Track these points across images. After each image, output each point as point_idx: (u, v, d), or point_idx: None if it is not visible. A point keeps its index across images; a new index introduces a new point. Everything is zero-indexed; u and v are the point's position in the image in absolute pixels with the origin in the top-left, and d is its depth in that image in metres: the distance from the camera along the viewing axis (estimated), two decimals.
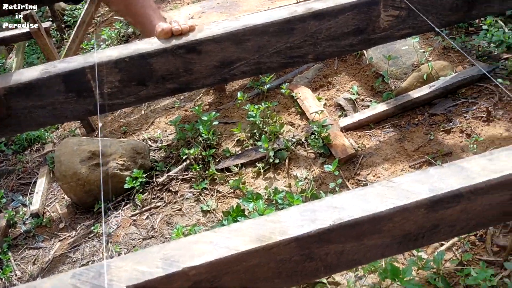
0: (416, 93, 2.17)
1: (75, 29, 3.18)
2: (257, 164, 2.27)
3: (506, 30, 2.27)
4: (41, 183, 2.69)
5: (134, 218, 2.29)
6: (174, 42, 1.31)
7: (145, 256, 0.81)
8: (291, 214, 0.84)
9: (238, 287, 0.87)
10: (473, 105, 2.06)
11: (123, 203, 2.40)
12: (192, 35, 1.32)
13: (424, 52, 2.35)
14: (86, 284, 0.78)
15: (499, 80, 2.01)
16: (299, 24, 1.37)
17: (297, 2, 2.54)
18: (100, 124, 2.62)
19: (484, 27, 2.30)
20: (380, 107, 2.22)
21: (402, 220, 0.85)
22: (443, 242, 1.66)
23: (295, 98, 2.53)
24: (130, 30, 4.00)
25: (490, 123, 1.95)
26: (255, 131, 2.44)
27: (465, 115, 2.04)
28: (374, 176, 2.02)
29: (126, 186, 2.34)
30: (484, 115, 1.98)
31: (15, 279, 2.22)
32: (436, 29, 1.28)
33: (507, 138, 1.88)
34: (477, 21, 2.42)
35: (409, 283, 1.46)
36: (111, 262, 0.81)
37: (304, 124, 2.41)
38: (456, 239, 1.65)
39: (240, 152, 2.40)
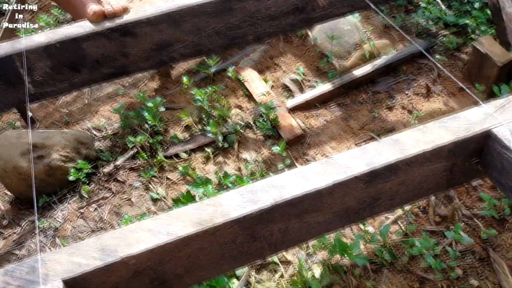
0: (359, 72, 2.21)
1: (7, 16, 3.00)
2: (206, 149, 2.25)
3: (443, 7, 2.35)
4: None
5: (82, 210, 2.22)
6: (108, 24, 1.25)
7: (81, 248, 0.78)
8: (232, 197, 0.83)
9: (183, 273, 0.85)
10: (413, 82, 2.12)
11: (68, 196, 2.31)
12: (127, 17, 1.27)
13: (366, 31, 2.39)
14: (20, 281, 0.74)
15: (437, 56, 2.07)
16: (238, 4, 1.34)
17: None
18: (30, 114, 2.50)
19: (422, 4, 2.36)
20: (325, 87, 2.25)
21: (342, 196, 0.86)
22: (388, 216, 1.71)
23: (242, 81, 2.51)
24: (69, 16, 3.82)
25: (430, 99, 2.02)
26: (203, 115, 2.41)
27: (407, 92, 2.09)
28: (321, 155, 2.05)
29: (70, 178, 2.25)
30: (424, 91, 2.04)
31: None
32: (372, 5, 1.30)
33: (446, 112, 1.95)
34: None
35: (358, 257, 1.50)
36: (45, 256, 0.78)
37: (252, 107, 2.40)
38: (400, 212, 1.71)
39: (188, 138, 2.36)
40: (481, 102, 0.94)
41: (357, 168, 0.85)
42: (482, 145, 0.90)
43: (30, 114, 2.43)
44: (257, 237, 0.86)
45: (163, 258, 0.81)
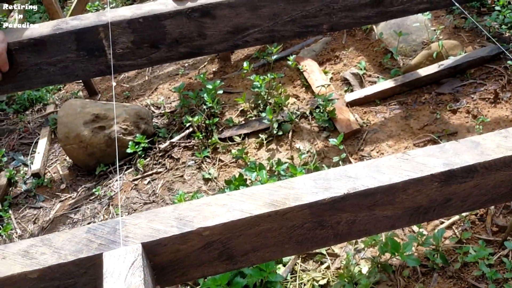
0: (424, 71, 2.16)
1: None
2: (260, 135, 2.27)
3: None
4: (43, 143, 2.68)
5: (136, 182, 2.30)
6: (189, 4, 1.29)
7: (160, 215, 0.82)
8: (305, 181, 0.84)
9: (249, 250, 0.88)
10: (481, 86, 2.05)
11: (125, 167, 2.40)
12: None
13: (435, 30, 2.33)
14: (101, 239, 0.79)
15: (509, 62, 2.00)
16: None
17: None
18: (114, 84, 2.59)
19: (497, 8, 2.27)
20: (387, 84, 2.21)
21: (415, 193, 0.86)
22: (443, 220, 1.68)
23: (301, 70, 2.51)
24: None
25: (497, 105, 1.95)
26: (260, 102, 2.43)
27: (473, 96, 2.03)
28: (377, 152, 2.03)
29: (128, 150, 2.33)
30: (492, 97, 1.97)
31: (16, 237, 2.24)
32: (457, 4, 1.27)
33: None
34: (489, 1, 2.39)
35: (409, 258, 1.48)
36: (126, 219, 0.82)
37: (309, 98, 2.40)
38: (456, 217, 1.67)
39: (243, 122, 2.39)
40: None
41: (434, 166, 0.84)
42: None
43: (114, 83, 2.52)
44: (325, 225, 0.88)
45: (233, 234, 0.83)
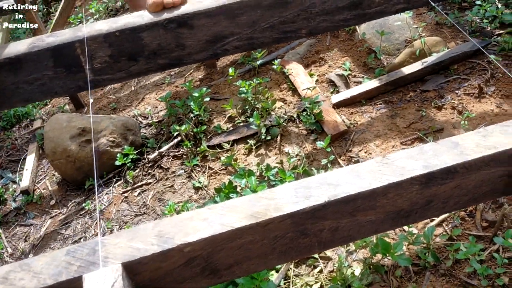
0: (408, 69, 2.16)
1: (62, 2, 3.10)
2: (248, 140, 2.27)
3: (499, 6, 2.26)
4: (31, 160, 2.66)
5: (126, 195, 2.29)
6: (166, 15, 1.28)
7: (140, 233, 0.81)
8: (286, 191, 0.84)
9: (232, 263, 0.87)
10: (465, 82, 2.06)
11: (114, 180, 2.39)
12: (184, 8, 1.29)
13: (417, 27, 2.34)
14: (80, 261, 0.78)
15: (492, 56, 2.01)
16: None
17: None
18: (91, 100, 2.58)
19: (478, 2, 2.28)
20: (372, 83, 2.22)
21: (396, 197, 0.86)
22: (433, 218, 1.68)
23: (287, 74, 2.51)
24: (119, 3, 3.91)
25: (481, 100, 1.96)
26: (247, 107, 2.43)
27: (457, 92, 2.04)
28: (365, 152, 2.03)
29: (117, 163, 2.32)
30: (476, 92, 1.98)
31: (7, 256, 2.22)
32: (431, 2, 1.27)
33: (498, 114, 1.88)
34: None
35: (400, 258, 1.48)
36: (105, 239, 0.81)
37: (296, 101, 2.40)
38: (446, 214, 1.67)
39: (231, 128, 2.39)
40: None
41: (413, 169, 0.84)
42: None
43: (91, 100, 2.51)
44: (308, 233, 0.87)
45: (215, 248, 0.83)
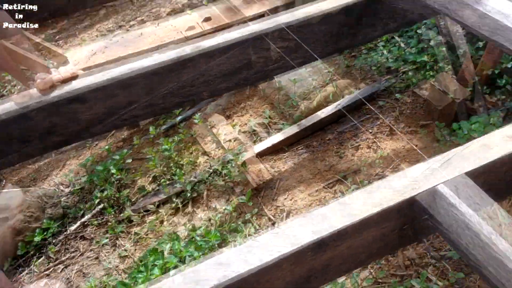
0: (323, 113, 2.22)
1: None
2: (174, 199, 2.21)
3: (402, 45, 2.40)
4: None
5: (48, 272, 2.14)
6: (56, 93, 1.24)
7: None
8: (174, 279, 0.80)
9: None
10: (377, 121, 2.14)
11: (35, 257, 2.23)
12: (75, 83, 1.26)
13: (328, 72, 2.42)
14: None
15: (397, 95, 2.10)
16: (189, 63, 1.34)
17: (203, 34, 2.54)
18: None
19: (381, 43, 2.41)
20: (291, 130, 2.25)
21: (291, 266, 0.84)
22: None
23: (209, 127, 2.50)
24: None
25: (393, 137, 2.03)
26: (171, 165, 2.38)
27: (370, 131, 2.11)
28: (291, 200, 2.03)
29: (36, 238, 2.18)
30: (387, 130, 2.06)
31: None
32: (319, 59, 1.31)
33: (410, 150, 1.96)
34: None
35: None
36: None
37: (221, 153, 2.38)
38: None
39: (157, 188, 2.32)
40: (426, 158, 0.93)
41: (303, 237, 0.83)
42: (430, 202, 0.89)
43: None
44: None
45: None
